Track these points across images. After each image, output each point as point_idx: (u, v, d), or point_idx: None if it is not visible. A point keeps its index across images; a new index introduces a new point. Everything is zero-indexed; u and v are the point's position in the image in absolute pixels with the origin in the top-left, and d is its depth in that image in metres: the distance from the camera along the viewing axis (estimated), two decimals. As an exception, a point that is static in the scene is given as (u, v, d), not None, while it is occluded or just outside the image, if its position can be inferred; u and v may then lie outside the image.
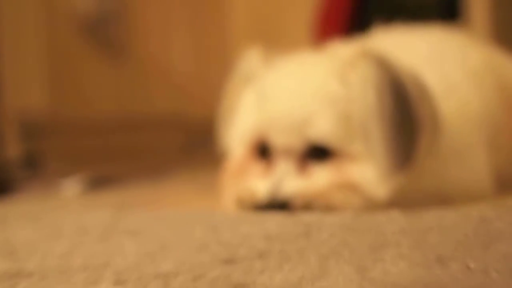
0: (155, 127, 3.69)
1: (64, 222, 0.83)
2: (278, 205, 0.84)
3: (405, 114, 0.83)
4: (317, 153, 0.86)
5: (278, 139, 0.87)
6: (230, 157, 0.95)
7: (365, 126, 0.84)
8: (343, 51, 0.90)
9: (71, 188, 1.47)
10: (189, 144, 3.60)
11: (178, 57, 3.92)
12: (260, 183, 0.88)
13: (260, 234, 0.67)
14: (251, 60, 0.93)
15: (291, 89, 0.88)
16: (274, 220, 0.76)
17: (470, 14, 3.57)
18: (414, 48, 0.97)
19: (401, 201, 0.82)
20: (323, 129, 0.85)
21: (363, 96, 0.84)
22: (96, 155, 2.86)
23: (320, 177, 0.85)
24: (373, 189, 0.82)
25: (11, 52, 2.31)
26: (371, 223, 0.71)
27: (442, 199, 0.86)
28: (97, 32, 3.41)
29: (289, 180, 0.86)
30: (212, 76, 4.32)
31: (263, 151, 0.90)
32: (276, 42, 3.25)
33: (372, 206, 0.82)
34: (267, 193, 0.85)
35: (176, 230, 0.73)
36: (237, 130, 0.94)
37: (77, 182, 1.50)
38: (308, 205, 0.83)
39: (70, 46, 3.39)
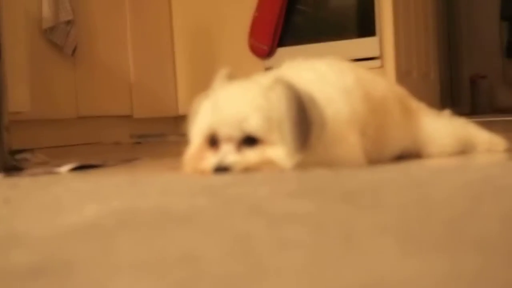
0: (105, 125, 4.07)
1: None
2: (222, 169, 1.32)
3: (303, 117, 1.33)
4: (249, 141, 1.34)
5: (224, 131, 1.35)
6: (191, 145, 1.44)
7: (279, 124, 1.32)
8: (266, 79, 1.40)
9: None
10: (135, 140, 4.01)
11: (125, 63, 4.30)
12: (211, 159, 1.37)
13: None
14: (217, 78, 1.43)
15: (234, 101, 1.36)
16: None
17: (380, 31, 4.13)
18: (307, 76, 1.47)
19: (301, 168, 1.32)
20: (253, 125, 1.32)
21: (278, 106, 1.33)
22: (62, 150, 3.25)
23: (250, 155, 1.34)
24: (283, 162, 1.32)
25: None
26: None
27: (329, 166, 1.37)
28: (55, 38, 3.77)
29: (229, 155, 1.34)
30: (154, 83, 4.73)
31: (213, 142, 1.38)
32: (213, 52, 3.79)
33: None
34: (215, 162, 1.34)
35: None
36: (197, 127, 1.43)
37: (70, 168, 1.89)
38: (242, 170, 1.32)
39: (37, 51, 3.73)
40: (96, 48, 4.09)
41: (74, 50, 3.83)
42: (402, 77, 4.31)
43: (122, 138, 4.09)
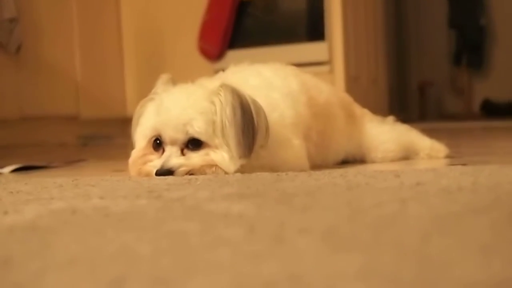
0: (51, 126, 4.04)
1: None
2: (166, 172, 1.34)
3: (248, 123, 1.35)
4: (193, 144, 1.36)
5: (168, 134, 1.37)
6: (135, 147, 1.46)
7: (223, 128, 1.35)
8: (211, 83, 1.43)
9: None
10: (82, 141, 3.99)
11: (71, 63, 4.27)
12: (155, 162, 1.38)
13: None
14: (158, 83, 1.45)
15: (178, 104, 1.37)
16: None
17: (329, 36, 4.19)
18: (252, 81, 1.51)
19: (245, 172, 1.35)
20: (197, 128, 1.34)
21: (223, 111, 1.34)
22: (5, 150, 3.22)
23: (194, 158, 1.36)
24: (226, 166, 1.35)
25: None
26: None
27: (273, 170, 1.40)
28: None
29: (173, 158, 1.36)
30: (102, 83, 4.69)
31: (157, 145, 1.40)
32: (162, 54, 3.80)
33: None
34: (159, 165, 1.36)
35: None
36: (141, 130, 1.44)
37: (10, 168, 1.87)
38: (185, 173, 1.34)
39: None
40: (41, 47, 4.04)
41: (18, 48, 3.78)
42: (351, 82, 4.38)
43: (68, 139, 4.06)
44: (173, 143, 1.37)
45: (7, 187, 1.22)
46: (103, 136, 4.16)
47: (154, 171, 1.36)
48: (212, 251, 0.59)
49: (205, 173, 1.35)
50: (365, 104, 1.94)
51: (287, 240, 0.63)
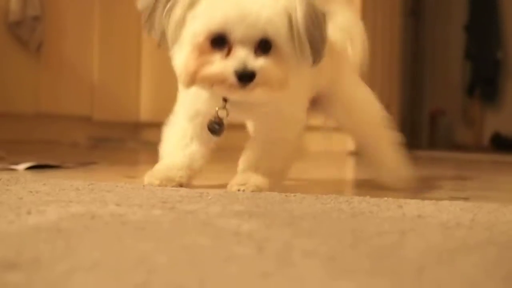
0: (64, 125, 4.10)
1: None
2: (249, 74, 1.14)
3: (321, 29, 1.24)
4: (263, 46, 1.18)
5: (239, 32, 1.16)
6: (192, 44, 1.19)
7: (297, 35, 1.20)
8: None
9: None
10: (93, 142, 4.05)
11: (89, 64, 4.33)
12: (227, 62, 1.15)
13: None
14: None
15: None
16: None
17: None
18: None
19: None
20: (273, 28, 1.18)
21: (299, 11, 1.19)
22: (19, 146, 3.28)
23: (267, 63, 1.18)
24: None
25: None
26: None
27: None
28: (20, 33, 3.82)
29: (251, 59, 1.16)
30: (117, 86, 4.74)
31: (219, 43, 1.17)
32: None
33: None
34: (238, 65, 1.14)
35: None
36: (199, 23, 1.19)
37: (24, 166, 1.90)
38: (266, 80, 1.17)
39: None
40: (61, 46, 4.12)
41: (39, 47, 3.87)
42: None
43: (80, 139, 4.12)
44: (244, 42, 1.17)
45: (26, 187, 1.27)
46: (114, 139, 4.22)
47: (232, 70, 1.16)
48: (224, 266, 0.65)
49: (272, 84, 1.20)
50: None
51: (292, 262, 0.68)
